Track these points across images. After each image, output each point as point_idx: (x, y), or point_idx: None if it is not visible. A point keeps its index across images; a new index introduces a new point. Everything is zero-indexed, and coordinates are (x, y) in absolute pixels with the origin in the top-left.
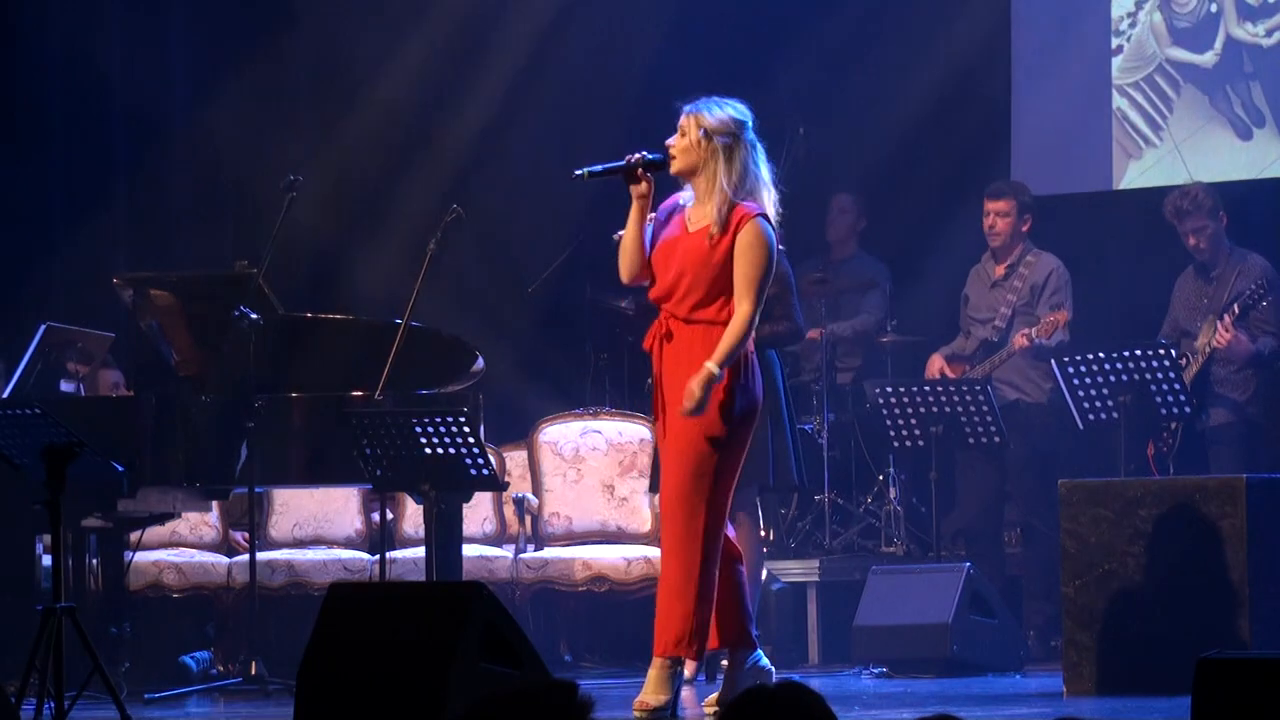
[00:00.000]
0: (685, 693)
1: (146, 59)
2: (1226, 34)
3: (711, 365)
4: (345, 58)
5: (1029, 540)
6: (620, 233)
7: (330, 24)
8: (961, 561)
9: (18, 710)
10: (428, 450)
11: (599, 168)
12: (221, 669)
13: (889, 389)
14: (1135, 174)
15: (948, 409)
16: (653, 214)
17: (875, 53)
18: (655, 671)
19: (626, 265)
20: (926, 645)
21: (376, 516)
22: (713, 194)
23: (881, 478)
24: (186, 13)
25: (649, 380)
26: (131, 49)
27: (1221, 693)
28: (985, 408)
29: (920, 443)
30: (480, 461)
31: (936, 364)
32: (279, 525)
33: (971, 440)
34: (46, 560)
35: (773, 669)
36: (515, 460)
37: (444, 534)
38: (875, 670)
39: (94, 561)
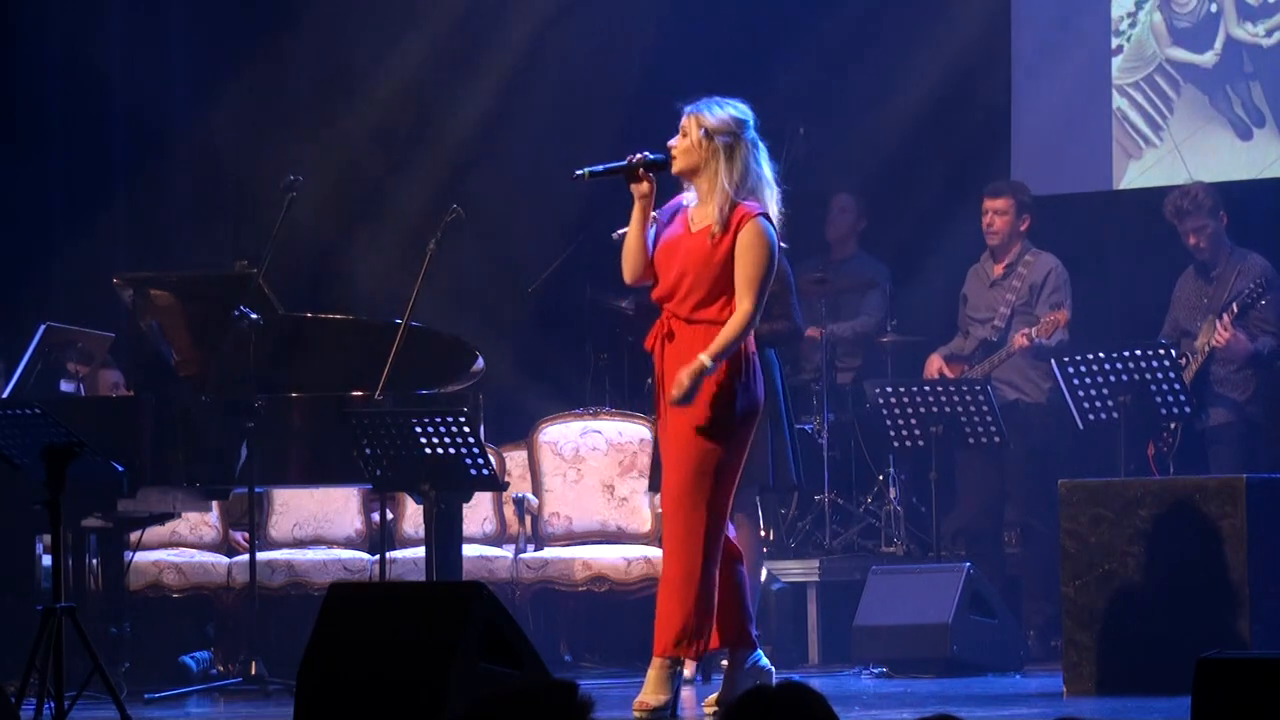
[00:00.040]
0: (685, 693)
1: (146, 59)
2: (1226, 34)
3: (705, 357)
4: (345, 58)
5: (1029, 540)
6: (620, 230)
7: (330, 24)
8: (961, 561)
9: (18, 710)
10: (428, 450)
11: (600, 168)
12: (221, 669)
13: (889, 389)
14: (1135, 174)
15: (948, 409)
16: (656, 214)
17: (875, 53)
18: (655, 671)
19: (629, 266)
20: (926, 645)
21: (376, 516)
22: (714, 194)
23: (881, 478)
24: (186, 13)
25: (649, 380)
26: (131, 49)
27: (1221, 693)
28: (985, 408)
29: (920, 443)
30: (480, 461)
31: (935, 364)
32: (279, 525)
33: (971, 440)
34: (46, 560)
35: (773, 669)
36: (515, 460)
37: (444, 534)
38: (875, 670)
39: (94, 561)
